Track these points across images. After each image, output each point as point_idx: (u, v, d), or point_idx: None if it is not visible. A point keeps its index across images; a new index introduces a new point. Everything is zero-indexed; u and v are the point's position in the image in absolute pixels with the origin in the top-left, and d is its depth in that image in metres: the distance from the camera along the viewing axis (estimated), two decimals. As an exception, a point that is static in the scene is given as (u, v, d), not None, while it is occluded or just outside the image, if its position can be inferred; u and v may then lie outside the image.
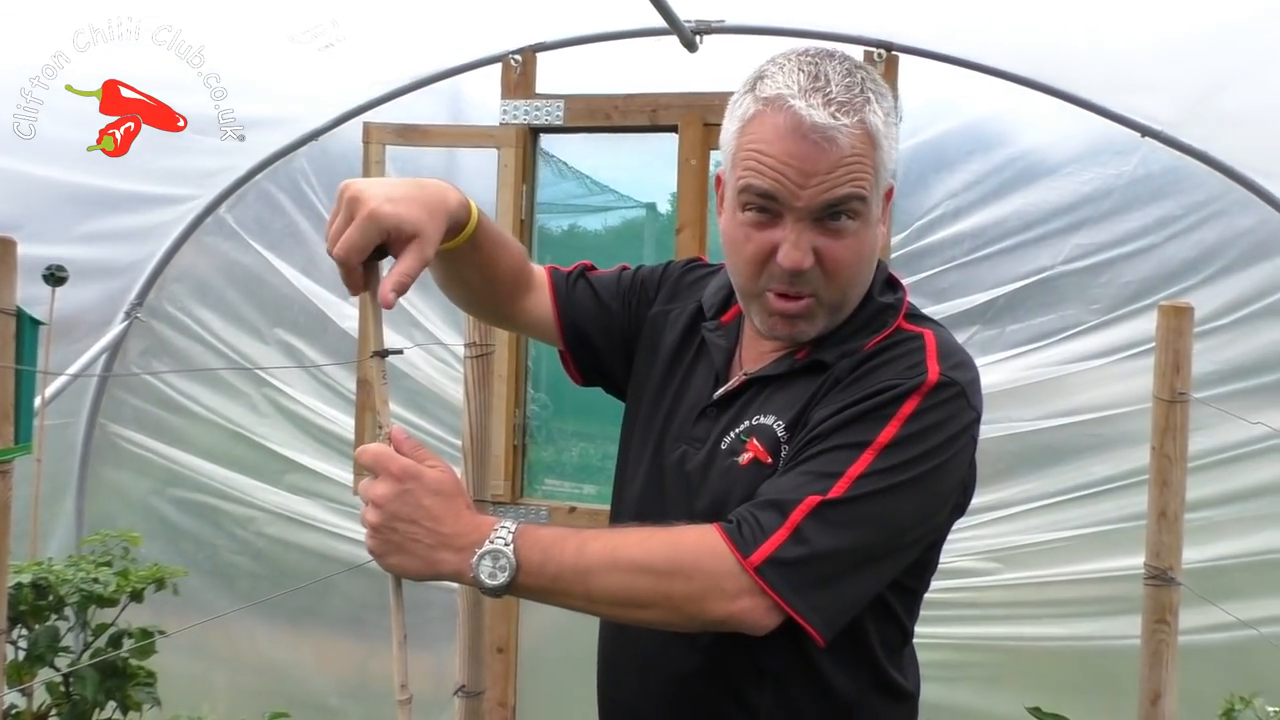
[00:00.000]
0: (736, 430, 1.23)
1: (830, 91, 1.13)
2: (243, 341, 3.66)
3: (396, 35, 3.35)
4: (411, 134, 3.24)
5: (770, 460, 1.18)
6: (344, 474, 3.51)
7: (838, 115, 1.12)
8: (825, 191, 1.13)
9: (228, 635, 3.67)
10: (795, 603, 1.07)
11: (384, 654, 1.12)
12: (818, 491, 1.09)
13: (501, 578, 1.05)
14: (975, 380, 1.19)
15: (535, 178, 3.31)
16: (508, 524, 1.07)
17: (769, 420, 1.21)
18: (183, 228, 3.64)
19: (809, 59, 1.16)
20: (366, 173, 3.19)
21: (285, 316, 3.64)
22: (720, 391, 1.28)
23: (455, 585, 2.13)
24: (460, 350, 2.15)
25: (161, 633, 2.53)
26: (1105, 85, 2.97)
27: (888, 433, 1.11)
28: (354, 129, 3.35)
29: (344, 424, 3.51)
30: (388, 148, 3.23)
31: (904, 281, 1.31)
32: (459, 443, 2.15)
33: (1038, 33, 3.02)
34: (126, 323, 3.66)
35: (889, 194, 1.22)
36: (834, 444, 1.12)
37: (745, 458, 1.20)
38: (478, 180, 3.31)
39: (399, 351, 1.16)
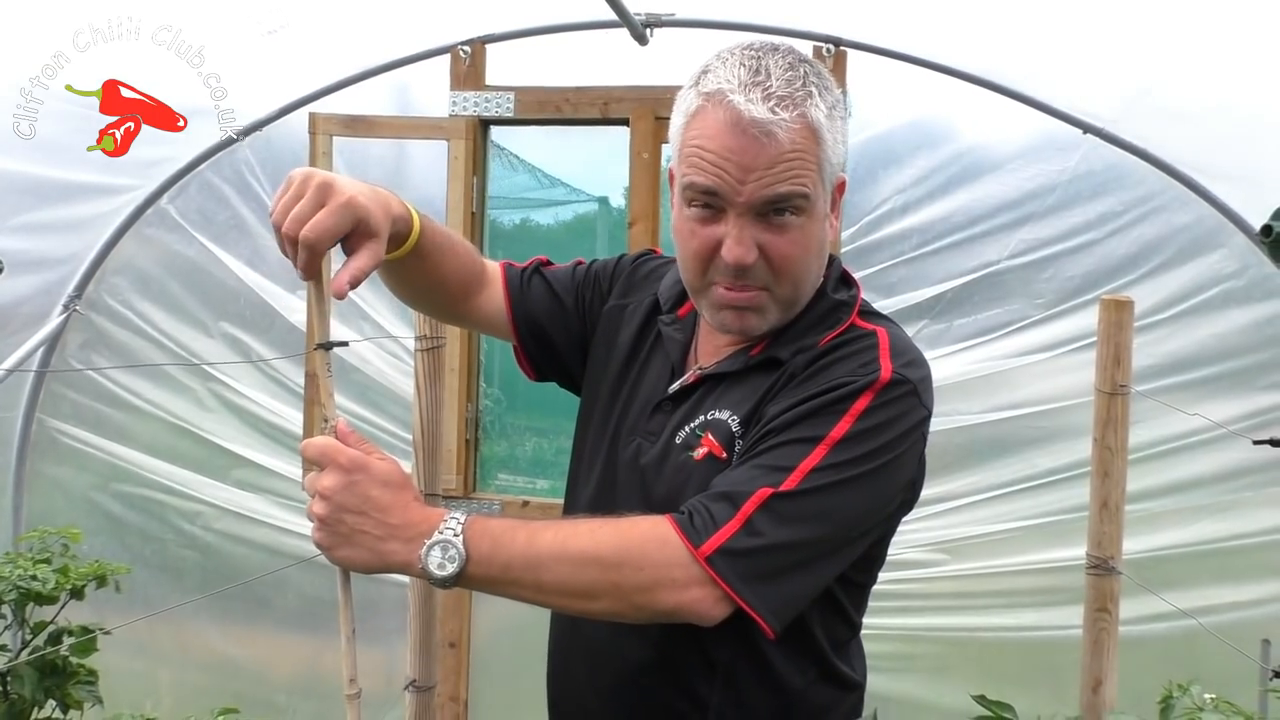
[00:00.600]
0: (691, 425, 1.23)
1: (770, 86, 1.13)
2: (187, 335, 3.60)
3: (343, 25, 3.31)
4: (359, 125, 3.20)
5: (725, 455, 1.19)
6: (292, 469, 3.47)
7: (777, 110, 1.12)
8: (765, 187, 1.13)
9: (174, 633, 3.61)
10: (745, 594, 1.08)
11: (335, 649, 1.11)
12: (770, 484, 1.10)
13: (450, 568, 1.04)
14: (927, 378, 1.21)
15: (486, 170, 3.28)
16: (457, 515, 1.07)
17: (724, 415, 1.21)
18: (123, 219, 3.56)
19: (752, 53, 1.16)
20: (313, 164, 3.14)
21: (230, 309, 3.58)
22: (675, 386, 1.28)
23: (406, 579, 2.12)
24: (411, 344, 2.14)
25: (103, 630, 2.48)
26: (1049, 82, 3.02)
27: (840, 428, 1.12)
28: (299, 120, 3.30)
29: (291, 418, 3.47)
30: (335, 139, 3.19)
31: (853, 275, 1.32)
32: (410, 437, 2.14)
33: (984, 30, 3.06)
34: (65, 315, 3.58)
35: (840, 187, 1.23)
36: (787, 438, 1.13)
37: (700, 452, 1.21)
38: (428, 173, 3.28)
39: (344, 344, 1.14)
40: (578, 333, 1.43)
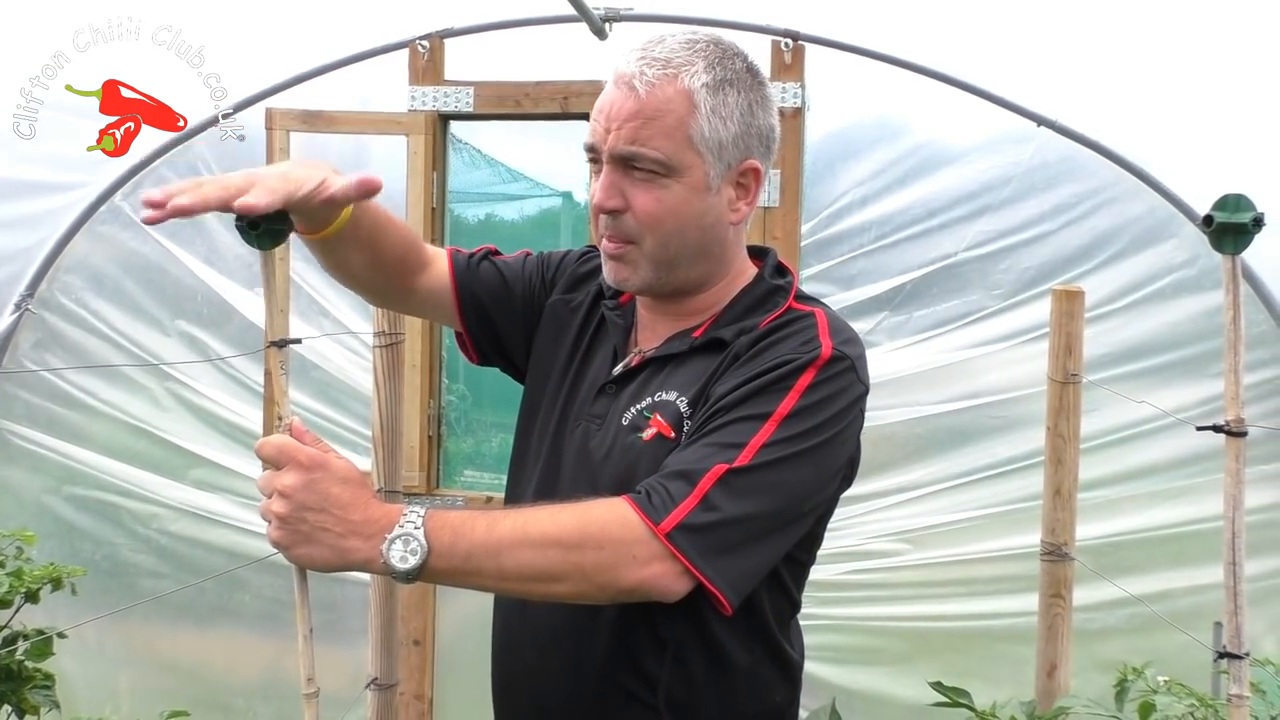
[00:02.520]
0: (638, 406, 1.25)
1: (654, 51, 1.20)
2: (142, 334, 3.54)
3: (301, 20, 3.27)
4: (317, 120, 3.17)
5: (673, 435, 1.21)
6: (251, 468, 3.43)
7: (646, 69, 1.18)
8: (621, 139, 1.20)
9: (132, 636, 3.57)
10: (704, 568, 1.10)
11: (295, 650, 1.10)
12: (724, 460, 1.12)
13: (413, 561, 1.04)
14: (863, 355, 1.25)
15: (446, 165, 3.27)
16: (416, 509, 1.07)
17: (671, 397, 1.24)
18: (75, 215, 3.50)
19: (675, 33, 1.24)
20: (270, 159, 3.11)
21: (188, 308, 3.53)
22: (619, 368, 1.31)
23: (367, 577, 2.11)
24: (371, 339, 2.12)
25: (59, 634, 2.45)
26: (1003, 76, 3.06)
27: (787, 404, 1.16)
28: (256, 115, 3.26)
29: (250, 416, 3.43)
30: (292, 134, 3.16)
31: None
32: (371, 433, 2.12)
33: (941, 25, 3.09)
34: (17, 314, 3.52)
35: (752, 173, 1.26)
36: (736, 416, 1.16)
37: (649, 433, 1.23)
38: (387, 168, 3.25)
39: (297, 341, 1.14)
40: (522, 320, 1.44)
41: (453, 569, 1.07)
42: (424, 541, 1.05)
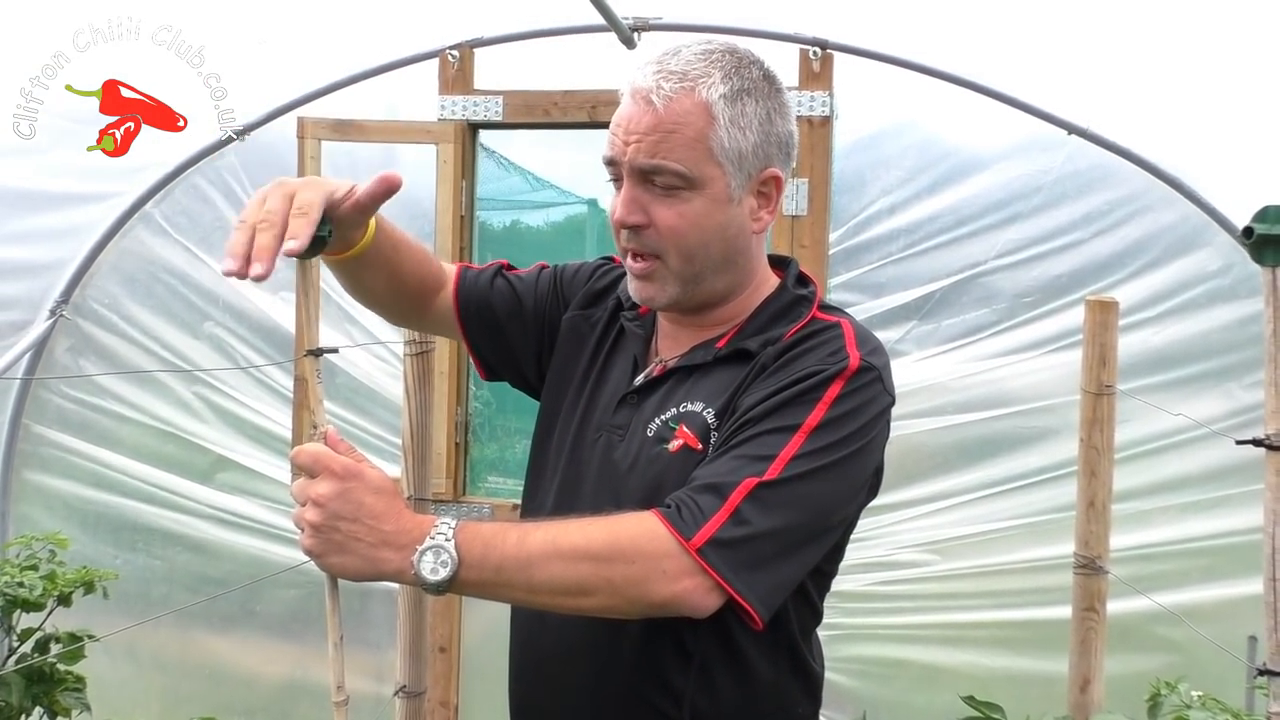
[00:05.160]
0: (664, 417, 1.25)
1: (670, 64, 1.20)
2: (173, 337, 3.58)
3: (332, 30, 3.30)
4: (348, 129, 3.19)
5: (700, 446, 1.21)
6: (280, 472, 3.46)
7: (663, 82, 1.18)
8: (640, 153, 1.19)
9: (162, 639, 3.59)
10: (736, 583, 1.10)
11: (323, 656, 1.11)
12: (754, 474, 1.12)
13: (444, 573, 1.05)
14: (889, 365, 1.25)
15: (475, 174, 3.29)
16: (448, 520, 1.08)
17: (698, 408, 1.23)
18: (109, 224, 3.55)
19: (689, 43, 1.23)
20: (301, 168, 3.14)
21: (216, 313, 3.57)
22: (640, 378, 1.30)
23: (396, 585, 2.12)
24: (399, 348, 2.13)
25: (91, 637, 2.47)
26: (1033, 83, 3.03)
27: (816, 415, 1.15)
28: (287, 124, 3.29)
29: (279, 420, 3.46)
30: (323, 143, 3.18)
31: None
32: (399, 441, 2.13)
33: (970, 32, 3.08)
34: (51, 320, 3.57)
35: (774, 181, 1.25)
36: (766, 428, 1.15)
37: (675, 444, 1.22)
38: (416, 176, 3.27)
39: (334, 350, 1.15)
40: (535, 334, 1.44)
41: (483, 581, 1.07)
42: (454, 554, 1.05)
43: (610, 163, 1.23)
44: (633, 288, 1.27)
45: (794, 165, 1.30)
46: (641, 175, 1.20)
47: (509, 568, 1.07)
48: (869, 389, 1.19)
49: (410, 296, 1.41)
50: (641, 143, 1.19)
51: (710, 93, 1.18)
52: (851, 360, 1.19)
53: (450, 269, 1.45)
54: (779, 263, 1.35)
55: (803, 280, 1.33)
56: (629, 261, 1.26)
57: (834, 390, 1.17)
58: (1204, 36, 2.93)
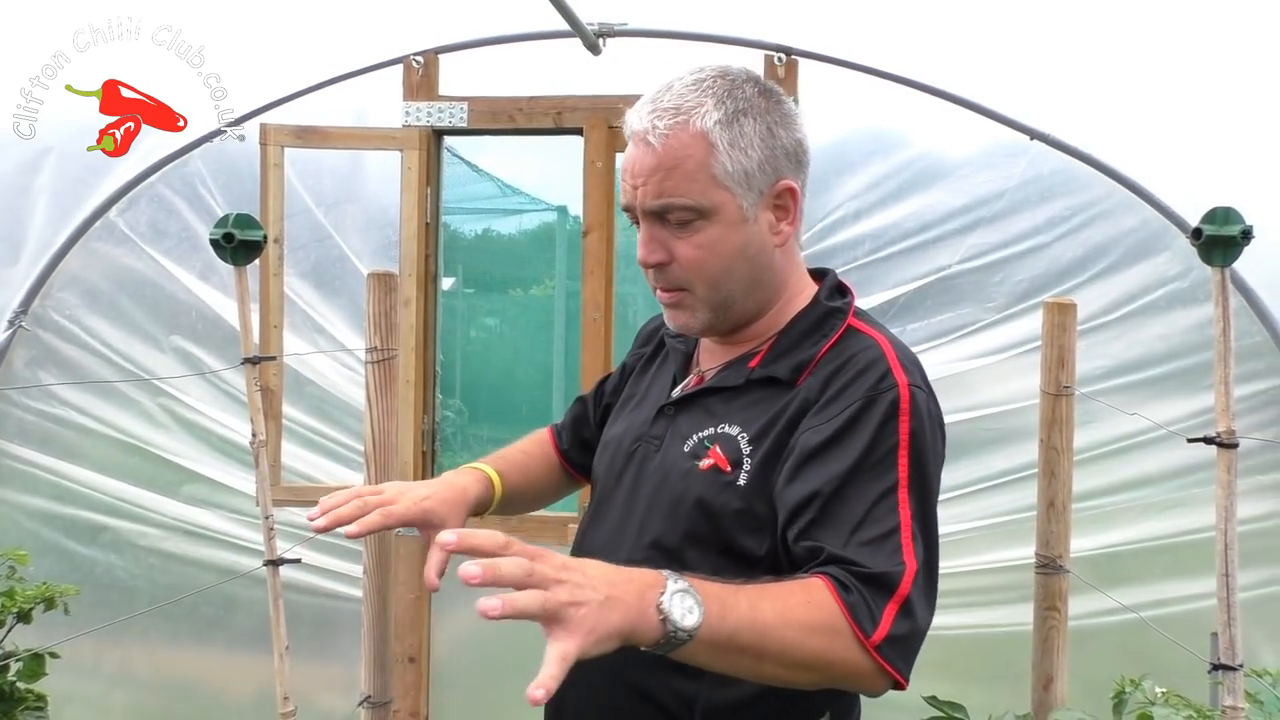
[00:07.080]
0: (701, 435, 1.27)
1: (663, 101, 1.22)
2: (137, 350, 3.53)
3: (295, 37, 3.28)
4: (311, 136, 3.17)
5: (729, 470, 1.22)
6: (245, 484, 3.42)
7: (657, 121, 1.20)
8: (648, 195, 1.22)
9: (126, 655, 3.54)
10: (905, 672, 1.11)
11: (293, 669, 1.09)
12: (901, 561, 1.12)
13: (692, 618, 0.96)
14: (924, 372, 1.27)
15: (440, 180, 3.27)
16: (668, 573, 1.00)
17: (733, 431, 1.25)
18: (69, 233, 3.50)
19: (681, 75, 1.25)
20: (264, 175, 3.11)
21: (182, 323, 3.52)
22: (677, 391, 1.34)
23: (360, 592, 2.10)
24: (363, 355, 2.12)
25: (52, 654, 2.43)
26: (997, 90, 3.07)
27: (902, 469, 1.16)
28: (251, 130, 3.26)
29: (244, 431, 3.42)
30: (287, 150, 3.16)
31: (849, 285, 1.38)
32: (364, 449, 2.12)
33: (934, 39, 3.11)
34: (10, 331, 3.51)
35: (789, 193, 1.26)
36: (870, 499, 1.15)
37: (706, 463, 1.24)
38: (382, 183, 3.26)
39: (271, 358, 1.15)
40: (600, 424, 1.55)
41: (714, 642, 0.99)
42: (700, 598, 0.98)
43: (627, 209, 1.26)
44: (668, 316, 1.32)
45: (809, 169, 1.31)
46: (655, 215, 1.23)
47: (744, 632, 1.01)
48: (925, 416, 1.20)
49: (551, 496, 1.59)
50: (647, 185, 1.21)
51: (705, 121, 1.20)
52: (902, 388, 1.19)
53: (545, 437, 1.61)
54: (818, 274, 1.37)
55: (839, 290, 1.34)
56: (659, 294, 1.29)
57: (903, 432, 1.17)
58: (1164, 44, 2.97)
